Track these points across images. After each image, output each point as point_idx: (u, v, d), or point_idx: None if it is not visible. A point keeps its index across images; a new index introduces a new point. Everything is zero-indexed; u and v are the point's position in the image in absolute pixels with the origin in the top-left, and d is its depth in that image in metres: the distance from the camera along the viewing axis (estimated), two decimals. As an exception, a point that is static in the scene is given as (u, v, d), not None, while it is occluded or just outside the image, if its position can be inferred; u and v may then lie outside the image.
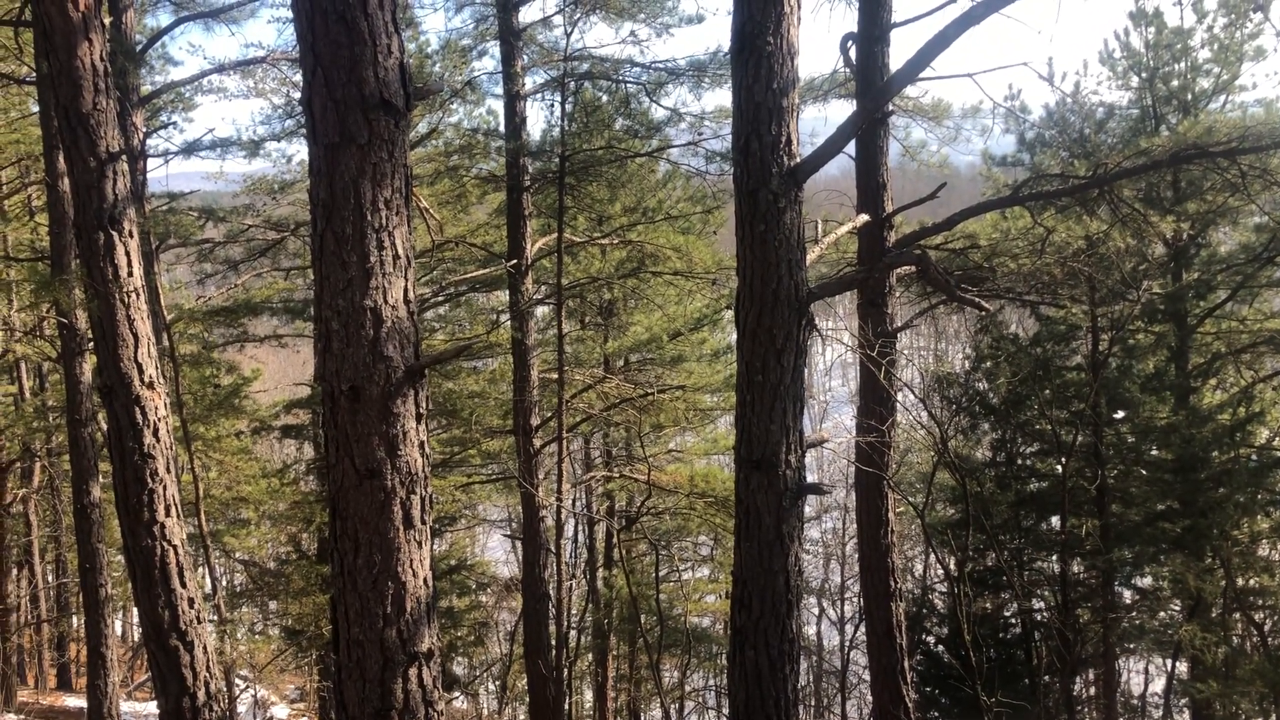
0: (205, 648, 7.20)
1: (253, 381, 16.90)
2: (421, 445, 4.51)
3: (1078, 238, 13.01)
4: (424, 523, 4.55)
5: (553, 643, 14.74)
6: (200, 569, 15.01)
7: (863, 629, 13.85)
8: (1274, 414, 19.40)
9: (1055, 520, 17.13)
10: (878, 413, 11.56)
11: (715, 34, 27.89)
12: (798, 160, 6.19)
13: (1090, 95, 19.21)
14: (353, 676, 4.54)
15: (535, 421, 14.48)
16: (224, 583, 26.24)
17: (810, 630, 31.17)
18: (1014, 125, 18.31)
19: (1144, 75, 18.54)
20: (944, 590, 17.94)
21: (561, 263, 13.72)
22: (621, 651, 24.05)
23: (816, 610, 31.62)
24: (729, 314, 21.56)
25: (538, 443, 14.50)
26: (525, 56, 14.01)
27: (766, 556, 6.28)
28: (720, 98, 17.05)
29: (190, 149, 15.52)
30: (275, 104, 14.86)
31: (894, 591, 11.90)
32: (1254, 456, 17.23)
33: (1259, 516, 17.94)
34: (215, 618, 15.18)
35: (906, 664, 12.05)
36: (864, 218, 7.86)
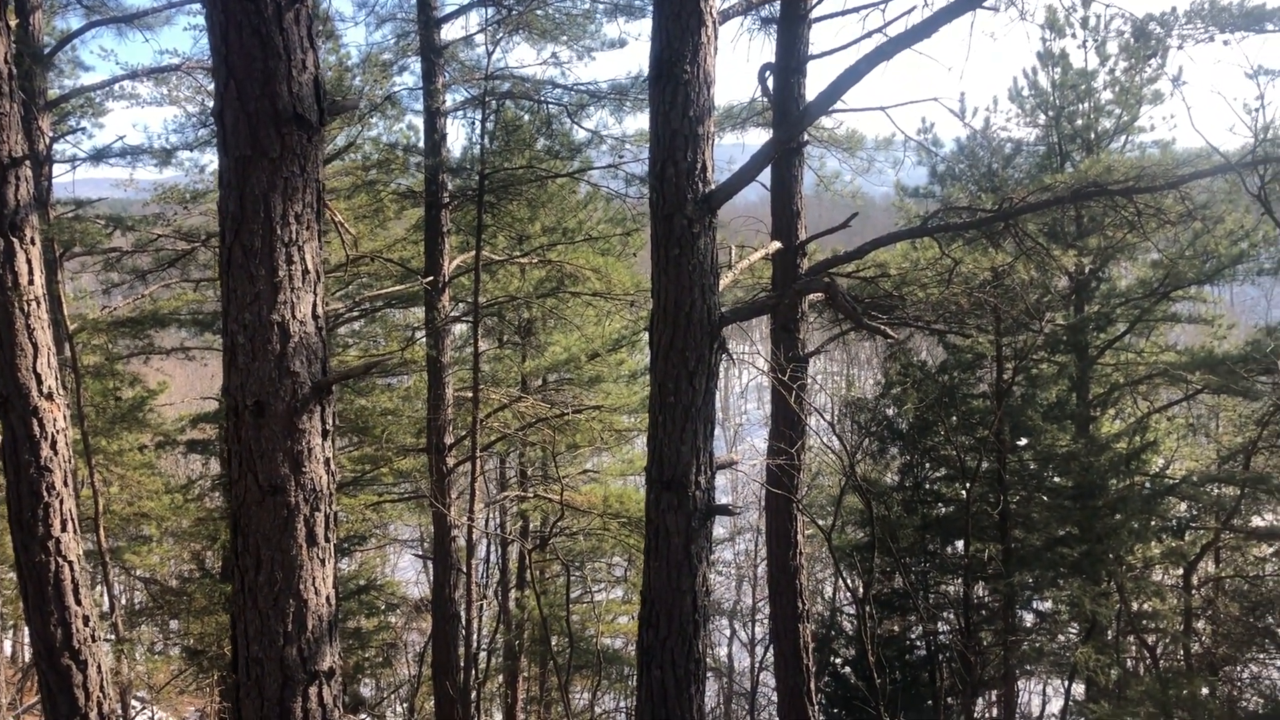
0: (100, 667, 6.99)
1: (158, 395, 16.43)
2: (327, 462, 4.49)
3: (983, 269, 13.41)
4: (328, 540, 4.52)
5: (462, 664, 14.60)
6: (98, 586, 14.54)
7: (772, 651, 13.97)
8: (1167, 443, 20.16)
9: (960, 544, 17.53)
10: (788, 436, 11.76)
11: (637, 58, 28.17)
12: (713, 187, 6.31)
13: (1000, 131, 19.84)
14: (251, 695, 4.48)
15: (449, 440, 14.39)
16: (123, 601, 25.43)
17: (721, 652, 31.31)
18: (926, 158, 18.80)
19: (1050, 114, 19.20)
20: (852, 612, 18.19)
21: (479, 280, 13.70)
22: (532, 673, 23.86)
23: (728, 632, 31.79)
24: (646, 336, 21.74)
25: (451, 461, 14.40)
26: (446, 73, 13.99)
27: (675, 576, 6.35)
28: (641, 122, 17.21)
29: (99, 155, 15.14)
30: (189, 112, 14.60)
31: (802, 613, 12.07)
32: (1147, 484, 17.87)
33: (1152, 542, 18.60)
34: (113, 636, 14.71)
35: (814, 685, 12.21)
36: (776, 245, 8.02)
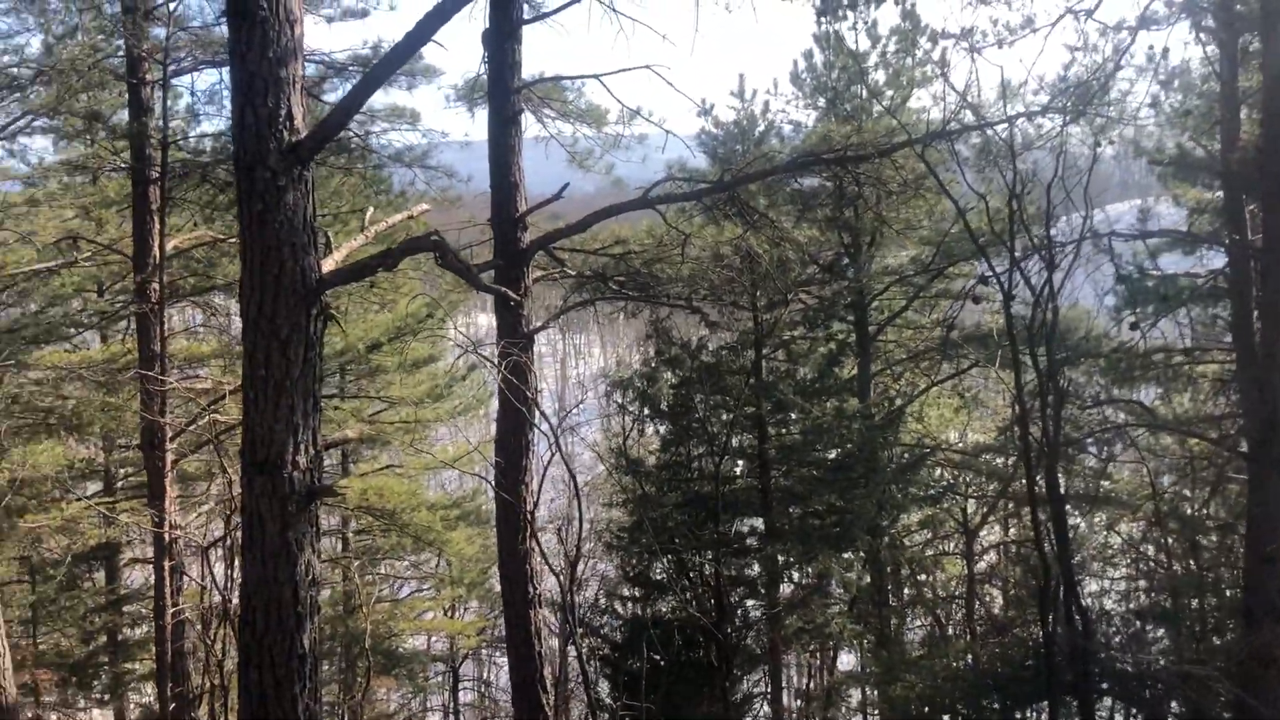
0: None
1: None
2: None
3: (720, 243, 13.25)
4: None
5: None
6: None
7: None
8: (935, 414, 20.77)
9: (735, 522, 17.56)
10: (516, 416, 11.33)
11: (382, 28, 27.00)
12: (300, 136, 5.75)
13: (779, 114, 19.91)
14: None
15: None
16: None
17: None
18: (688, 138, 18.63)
19: (828, 96, 19.34)
20: (626, 594, 17.98)
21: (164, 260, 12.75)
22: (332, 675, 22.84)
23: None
24: (430, 322, 21.02)
25: (170, 458, 13.42)
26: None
27: (272, 567, 5.78)
28: (395, 96, 16.43)
29: None
30: None
31: (533, 598, 11.65)
32: (905, 454, 18.29)
33: (913, 510, 19.11)
34: None
35: (547, 672, 11.83)
36: (424, 206, 7.54)
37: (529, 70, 12.06)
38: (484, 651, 29.80)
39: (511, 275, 11.50)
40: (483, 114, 12.09)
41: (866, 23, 19.05)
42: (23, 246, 13.95)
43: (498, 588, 19.20)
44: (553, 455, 9.93)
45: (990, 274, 13.76)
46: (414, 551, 23.80)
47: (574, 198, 13.38)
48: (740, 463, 17.45)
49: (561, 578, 11.15)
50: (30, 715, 16.97)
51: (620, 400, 16.89)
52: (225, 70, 13.93)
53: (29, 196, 15.15)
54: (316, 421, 5.94)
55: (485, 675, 31.70)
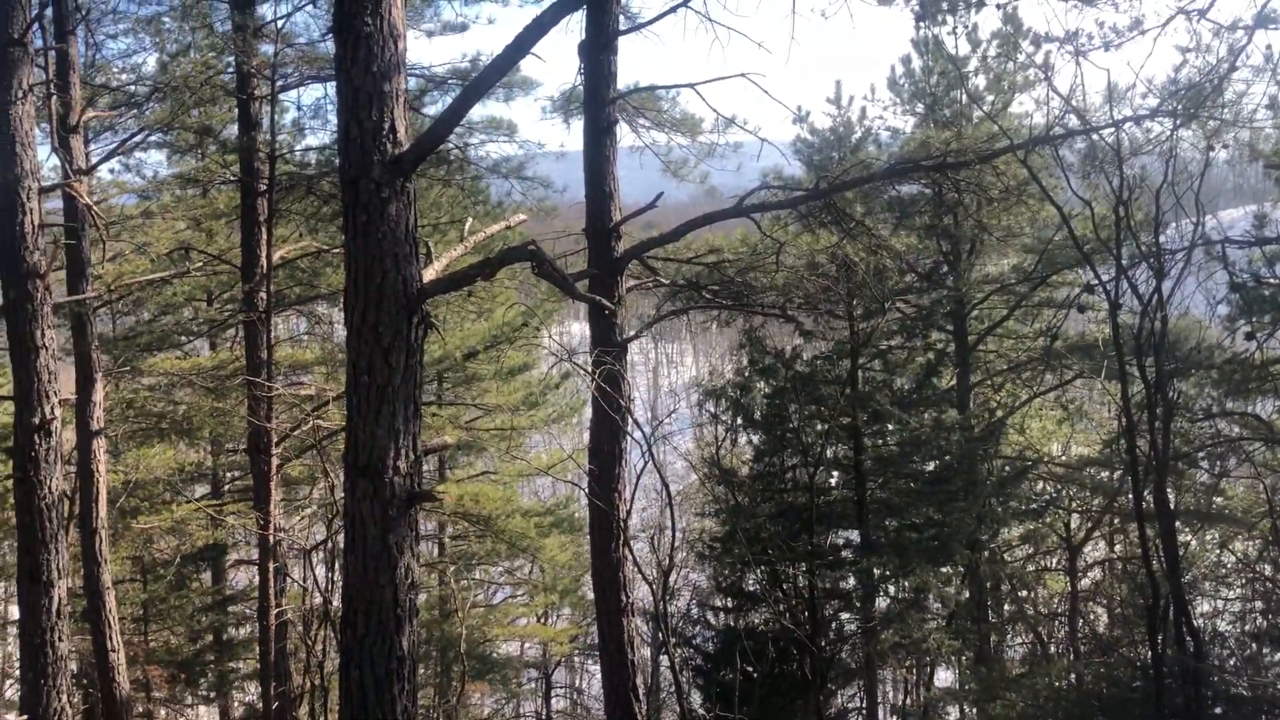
0: None
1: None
2: None
3: (817, 251, 13.11)
4: None
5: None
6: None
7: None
8: (1037, 427, 20.22)
9: (830, 534, 17.33)
10: (608, 421, 11.37)
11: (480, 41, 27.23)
12: (403, 149, 5.87)
13: (877, 120, 19.63)
14: None
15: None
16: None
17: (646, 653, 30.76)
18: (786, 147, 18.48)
19: (926, 101, 19.03)
20: (718, 605, 17.88)
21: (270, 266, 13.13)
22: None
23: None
24: (525, 330, 21.26)
25: (275, 462, 13.80)
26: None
27: (373, 570, 5.90)
28: (493, 109, 16.72)
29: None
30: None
31: (625, 606, 11.68)
32: (1006, 467, 17.84)
33: (1014, 525, 18.62)
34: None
35: (638, 680, 11.84)
36: (520, 217, 7.63)
37: (624, 81, 12.16)
38: (576, 658, 29.94)
39: (606, 284, 11.59)
40: (578, 125, 12.22)
41: (966, 27, 18.65)
42: (138, 257, 14.53)
43: (590, 595, 19.33)
44: (646, 463, 9.95)
45: (1096, 282, 13.35)
46: (508, 558, 24.09)
47: (668, 207, 13.40)
48: (835, 474, 17.18)
49: (654, 586, 11.13)
50: (141, 710, 17.59)
51: (713, 409, 16.79)
52: (330, 85, 14.39)
53: (144, 209, 15.78)
54: (417, 427, 6.04)
55: (577, 682, 31.87)
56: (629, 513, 11.68)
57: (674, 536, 10.09)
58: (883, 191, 13.66)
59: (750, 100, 15.33)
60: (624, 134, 12.34)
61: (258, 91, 13.72)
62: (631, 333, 12.08)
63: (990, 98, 19.13)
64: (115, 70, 13.47)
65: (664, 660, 18.57)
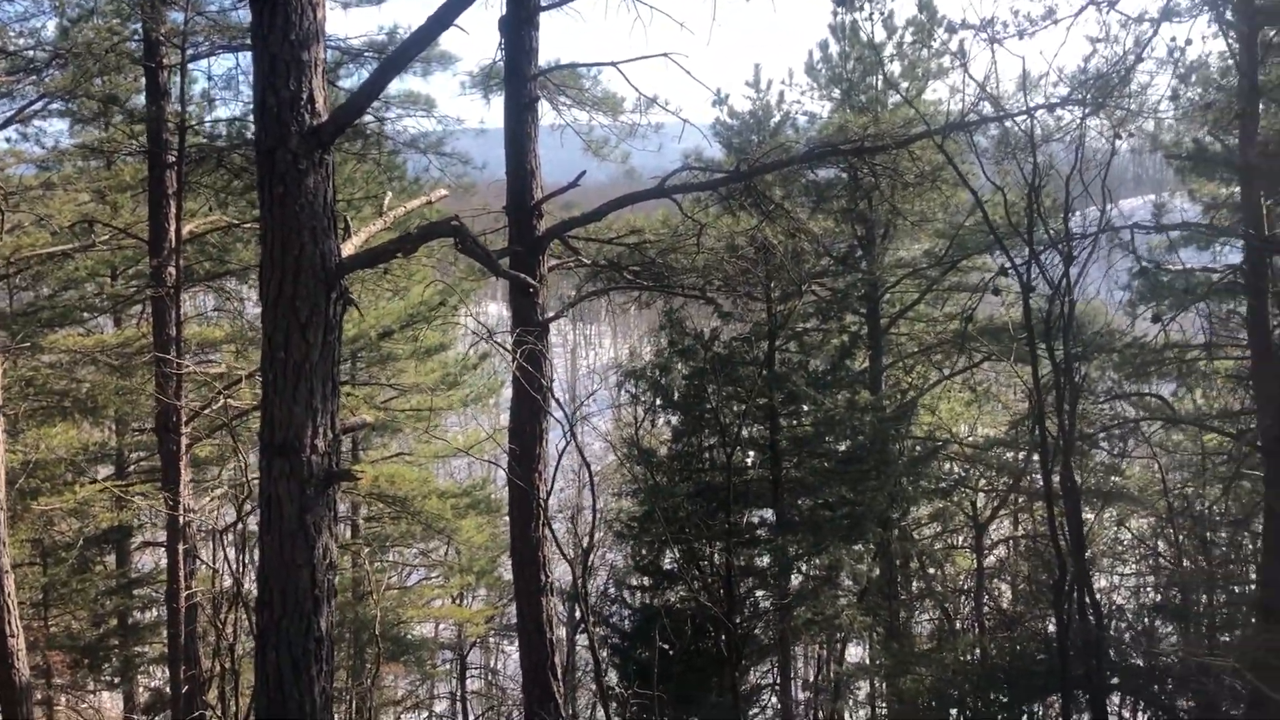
0: None
1: None
2: None
3: (736, 233, 13.21)
4: None
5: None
6: None
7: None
8: (947, 408, 20.69)
9: (746, 513, 17.52)
10: (531, 403, 11.31)
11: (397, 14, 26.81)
12: (322, 119, 5.74)
13: (794, 105, 19.78)
14: None
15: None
16: None
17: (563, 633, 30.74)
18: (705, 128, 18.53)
19: (843, 87, 19.22)
20: (635, 584, 17.97)
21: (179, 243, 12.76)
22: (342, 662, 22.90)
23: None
24: (444, 310, 21.00)
25: (185, 442, 13.45)
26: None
27: (289, 550, 5.79)
28: (411, 83, 16.36)
29: None
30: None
31: (545, 585, 11.66)
32: (917, 447, 18.25)
33: (922, 504, 19.05)
34: None
35: (558, 659, 11.85)
36: (441, 192, 7.52)
37: (545, 58, 12.02)
38: (491, 639, 29.87)
39: (527, 263, 11.48)
40: (498, 101, 12.06)
41: (883, 13, 18.91)
42: (38, 230, 13.98)
43: (506, 576, 19.16)
44: (567, 443, 9.92)
45: (1010, 266, 13.69)
46: (423, 539, 23.86)
47: (589, 186, 13.32)
48: (752, 454, 17.39)
49: (574, 565, 11.13)
50: (41, 697, 17.06)
51: (632, 390, 16.83)
52: (242, 55, 14.00)
53: (44, 179, 15.16)
54: (335, 405, 5.94)
55: (492, 663, 31.79)
56: (549, 493, 11.66)
57: (594, 516, 10.02)
58: (801, 175, 13.79)
59: (672, 81, 15.31)
60: (545, 112, 12.21)
61: (167, 60, 13.27)
62: (553, 313, 11.99)
63: (905, 84, 19.39)
64: (12, 34, 12.89)
65: (581, 639, 18.63)
